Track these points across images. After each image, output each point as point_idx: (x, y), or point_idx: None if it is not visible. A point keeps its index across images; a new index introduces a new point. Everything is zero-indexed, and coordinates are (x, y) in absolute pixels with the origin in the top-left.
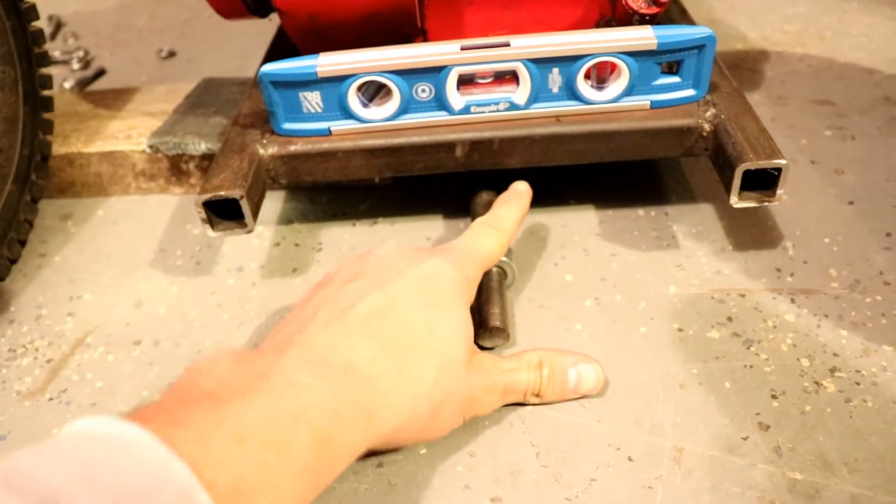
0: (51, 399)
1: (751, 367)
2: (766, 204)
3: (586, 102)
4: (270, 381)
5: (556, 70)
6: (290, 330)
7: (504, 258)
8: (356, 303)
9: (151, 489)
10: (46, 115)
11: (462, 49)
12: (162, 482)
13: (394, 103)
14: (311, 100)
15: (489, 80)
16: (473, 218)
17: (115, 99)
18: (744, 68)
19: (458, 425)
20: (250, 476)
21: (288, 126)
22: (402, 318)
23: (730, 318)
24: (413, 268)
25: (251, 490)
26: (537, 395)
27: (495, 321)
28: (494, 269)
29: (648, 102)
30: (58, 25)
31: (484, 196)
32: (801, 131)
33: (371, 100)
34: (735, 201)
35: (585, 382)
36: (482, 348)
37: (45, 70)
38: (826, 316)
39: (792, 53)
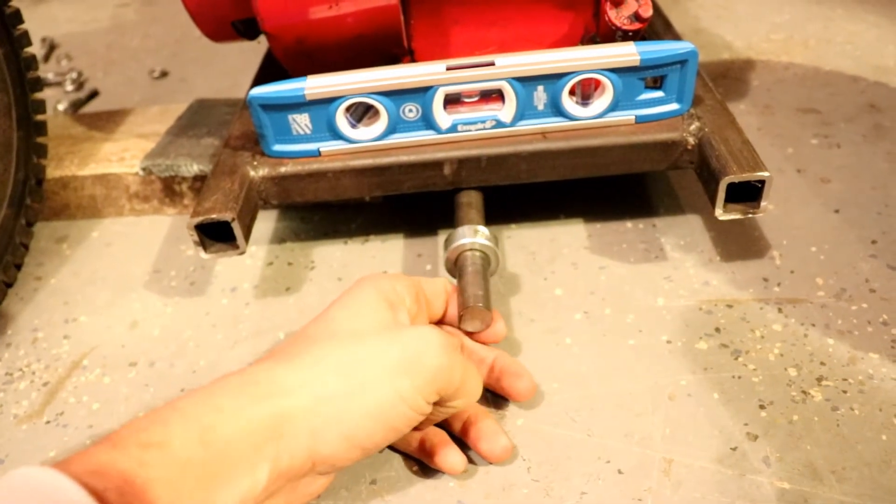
0: (48, 422)
1: (739, 377)
2: (751, 215)
3: (572, 119)
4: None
5: (541, 87)
6: None
7: (489, 243)
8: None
9: None
10: (40, 140)
11: (448, 69)
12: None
13: (382, 124)
14: (300, 122)
15: (475, 98)
16: (457, 208)
17: (108, 121)
18: (730, 77)
19: (416, 393)
20: (135, 477)
21: (278, 148)
22: (300, 333)
23: (718, 329)
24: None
25: (139, 489)
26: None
27: (476, 302)
28: (477, 254)
29: (633, 117)
30: (51, 47)
31: (466, 196)
32: (788, 140)
33: (359, 120)
34: (720, 214)
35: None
36: (466, 333)
37: (38, 95)
38: (813, 325)
39: (778, 62)
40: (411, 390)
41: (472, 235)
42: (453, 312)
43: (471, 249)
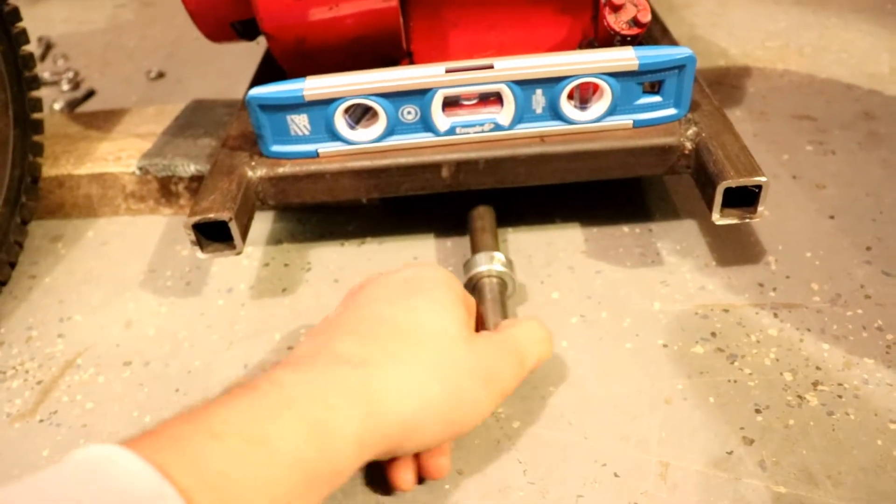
0: (41, 421)
1: (735, 381)
2: (748, 220)
3: (570, 122)
4: (252, 386)
5: (539, 91)
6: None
7: (504, 269)
8: (339, 320)
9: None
10: (36, 138)
11: (447, 72)
12: (125, 495)
13: (380, 125)
14: (299, 122)
15: (474, 101)
16: (471, 233)
17: (105, 120)
18: (726, 84)
19: (493, 406)
20: (231, 472)
21: (276, 148)
22: (386, 316)
23: (714, 334)
24: (390, 278)
25: (234, 486)
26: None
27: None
28: (494, 280)
29: (631, 122)
30: (47, 47)
31: (480, 209)
32: (783, 146)
33: (358, 122)
34: (717, 218)
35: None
36: None
37: (35, 93)
38: (808, 330)
39: (773, 69)
40: (497, 403)
41: (489, 262)
42: None
43: (488, 276)
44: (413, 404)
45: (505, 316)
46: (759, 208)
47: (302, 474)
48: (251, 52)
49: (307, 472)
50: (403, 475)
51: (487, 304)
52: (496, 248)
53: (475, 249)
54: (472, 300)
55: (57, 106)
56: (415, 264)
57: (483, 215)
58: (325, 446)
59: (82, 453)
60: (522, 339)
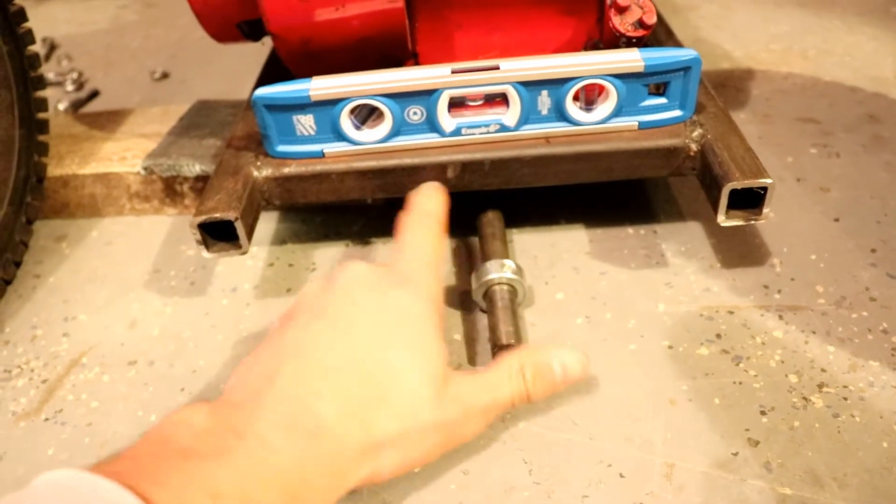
0: (46, 419)
1: (740, 383)
2: (753, 222)
3: (575, 124)
4: (246, 442)
5: (545, 92)
6: (259, 379)
7: (514, 276)
8: (320, 351)
9: None
10: (41, 138)
11: (453, 72)
12: None
13: (386, 126)
14: (305, 123)
15: (480, 102)
16: (480, 238)
17: (110, 121)
18: (730, 87)
19: (435, 458)
20: None
21: (282, 148)
22: (364, 368)
23: (719, 335)
24: (374, 304)
25: None
26: (527, 400)
27: (509, 339)
28: (505, 287)
29: (636, 123)
30: (51, 47)
31: (489, 215)
32: (787, 149)
33: (363, 122)
34: (722, 220)
35: (572, 370)
36: None
37: (40, 93)
38: (813, 332)
39: (777, 72)
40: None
41: (500, 270)
42: None
43: (498, 284)
44: (367, 472)
45: (516, 324)
46: (765, 210)
47: None
48: (255, 54)
49: None
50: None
51: (498, 312)
52: (506, 255)
53: (485, 257)
54: (440, 313)
55: (61, 106)
56: (402, 283)
57: (492, 221)
58: None
59: (80, 485)
60: (496, 400)
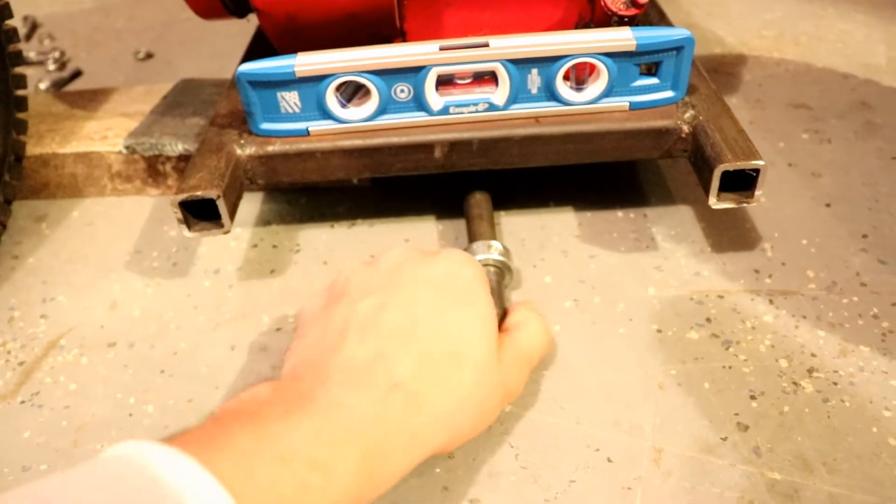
0: (23, 402)
1: (730, 367)
2: (745, 205)
3: (565, 103)
4: (316, 403)
5: (535, 71)
6: (319, 353)
7: (502, 257)
8: (383, 319)
9: None
10: (20, 115)
11: (441, 49)
12: None
13: (372, 104)
14: (289, 100)
15: (468, 80)
16: (467, 219)
17: (91, 100)
18: (722, 72)
19: (495, 418)
20: (292, 498)
21: (266, 126)
22: (432, 329)
23: (708, 319)
24: (427, 272)
25: None
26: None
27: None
28: (492, 269)
29: (627, 104)
30: (33, 26)
31: (477, 196)
32: (779, 134)
33: (349, 100)
34: (714, 202)
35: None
36: None
37: (19, 69)
38: (804, 317)
39: (769, 58)
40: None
41: (486, 251)
42: None
43: (485, 265)
44: (444, 438)
45: (502, 306)
46: (757, 193)
47: (351, 501)
48: (241, 34)
49: (355, 500)
50: None
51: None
52: (493, 237)
53: (472, 238)
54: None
55: (42, 86)
56: (447, 254)
57: (480, 203)
58: (374, 476)
59: (143, 455)
60: (530, 344)
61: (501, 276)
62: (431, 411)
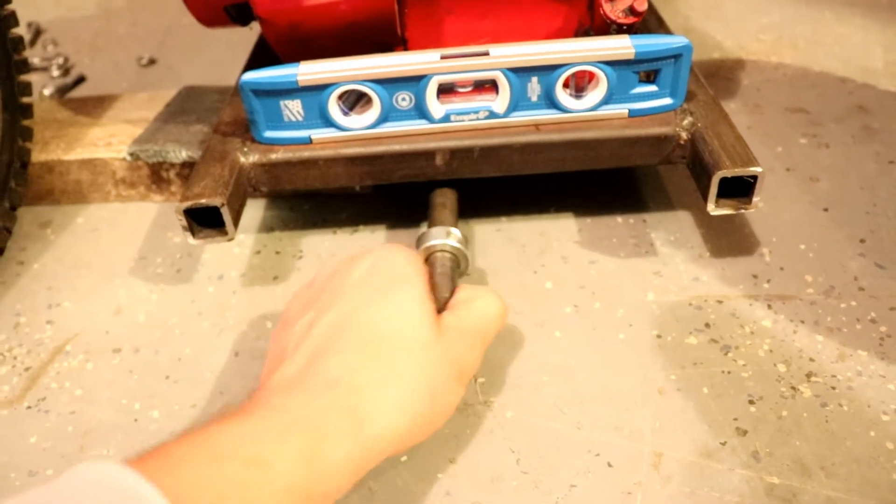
0: (29, 407)
1: (728, 372)
2: (743, 211)
3: (565, 111)
4: (253, 413)
5: (535, 79)
6: (264, 381)
7: (459, 245)
8: (313, 331)
9: None
10: (26, 122)
11: (442, 58)
12: None
13: (374, 112)
14: (292, 108)
15: (469, 88)
16: (431, 207)
17: (96, 106)
18: (720, 77)
19: (463, 393)
20: (230, 495)
21: (269, 134)
22: (362, 322)
23: (707, 325)
24: (352, 273)
25: None
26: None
27: (442, 305)
28: (447, 255)
29: (626, 111)
30: (37, 32)
31: (444, 188)
32: (777, 139)
33: (352, 108)
34: (712, 208)
35: None
36: None
37: (24, 77)
38: (802, 322)
39: (767, 62)
40: (465, 388)
41: (444, 237)
42: None
43: (441, 251)
44: (399, 422)
45: (451, 289)
46: (755, 199)
47: (296, 498)
48: (244, 41)
49: (301, 496)
50: None
51: (437, 278)
52: (454, 225)
53: (432, 224)
54: (425, 271)
55: (46, 92)
56: (377, 250)
57: (445, 192)
58: (318, 471)
59: (87, 470)
60: (477, 318)
61: (456, 263)
62: (377, 396)
